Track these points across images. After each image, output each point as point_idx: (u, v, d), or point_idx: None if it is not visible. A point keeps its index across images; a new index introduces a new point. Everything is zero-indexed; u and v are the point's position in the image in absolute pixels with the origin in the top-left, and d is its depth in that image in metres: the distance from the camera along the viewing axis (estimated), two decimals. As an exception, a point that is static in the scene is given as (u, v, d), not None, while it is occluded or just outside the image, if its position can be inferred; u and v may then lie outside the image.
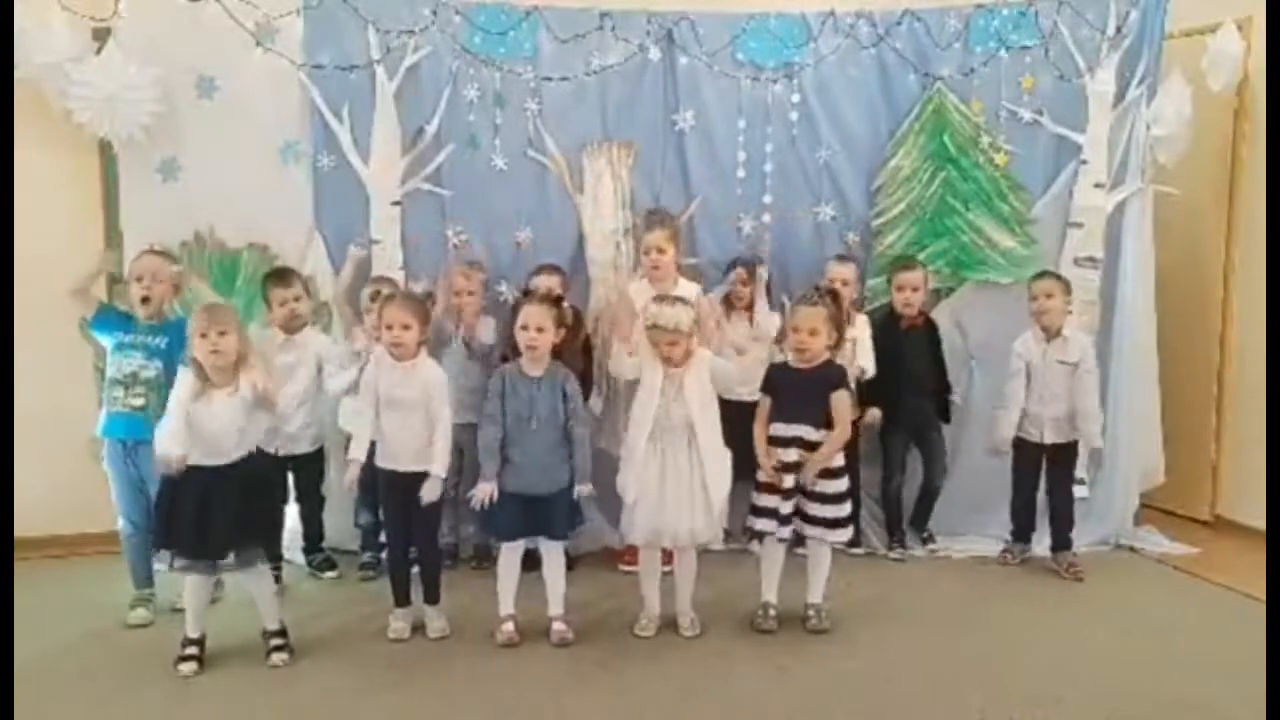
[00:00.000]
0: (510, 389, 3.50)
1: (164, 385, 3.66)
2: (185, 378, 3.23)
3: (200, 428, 3.19)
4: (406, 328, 3.40)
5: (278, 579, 3.82)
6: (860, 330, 4.32)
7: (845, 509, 3.64)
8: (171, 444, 3.12)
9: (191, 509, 3.18)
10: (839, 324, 3.72)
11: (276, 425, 3.67)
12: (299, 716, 3.06)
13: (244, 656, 3.38)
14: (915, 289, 4.45)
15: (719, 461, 3.54)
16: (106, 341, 3.77)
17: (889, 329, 4.48)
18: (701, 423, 3.51)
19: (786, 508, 3.57)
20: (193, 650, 3.32)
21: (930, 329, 4.58)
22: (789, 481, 3.56)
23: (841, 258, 4.53)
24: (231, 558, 3.25)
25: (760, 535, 3.65)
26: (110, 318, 3.79)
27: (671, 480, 3.50)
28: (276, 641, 3.38)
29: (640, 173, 4.59)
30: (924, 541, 4.62)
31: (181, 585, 3.73)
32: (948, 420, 4.63)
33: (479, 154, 4.45)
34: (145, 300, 3.70)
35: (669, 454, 3.51)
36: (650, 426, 3.49)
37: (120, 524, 3.78)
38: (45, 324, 4.12)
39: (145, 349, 3.70)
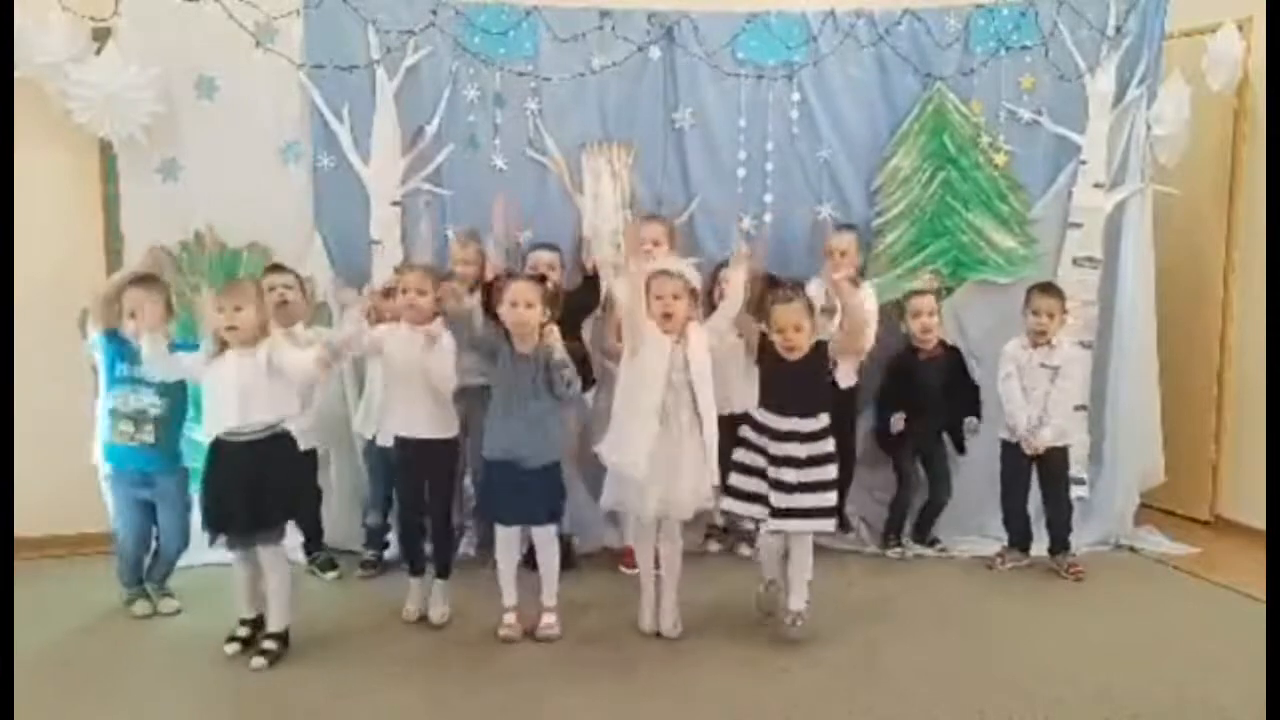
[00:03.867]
0: (503, 361, 3.54)
1: (172, 421, 3.70)
2: (199, 354, 3.38)
3: (213, 388, 3.31)
4: (422, 293, 3.55)
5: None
6: (868, 299, 4.28)
7: (831, 498, 3.57)
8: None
9: (218, 484, 3.29)
10: (814, 312, 3.69)
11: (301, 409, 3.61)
12: (298, 715, 3.06)
13: (243, 656, 3.37)
14: (931, 313, 4.45)
15: (713, 424, 3.51)
16: (101, 361, 3.68)
17: (906, 361, 4.49)
18: (702, 389, 3.48)
19: (775, 499, 3.51)
20: (244, 631, 3.41)
21: (951, 359, 4.54)
22: (787, 475, 3.51)
23: (841, 227, 4.50)
24: (250, 536, 3.34)
25: (746, 532, 3.62)
26: (115, 343, 3.67)
27: (682, 450, 3.45)
28: (268, 644, 3.36)
29: (640, 172, 4.59)
30: (930, 545, 4.61)
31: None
32: (961, 451, 4.57)
33: (479, 154, 4.45)
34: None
35: (673, 423, 3.46)
36: (660, 396, 3.44)
37: (116, 532, 3.79)
38: (45, 324, 4.12)
39: (150, 384, 3.62)
